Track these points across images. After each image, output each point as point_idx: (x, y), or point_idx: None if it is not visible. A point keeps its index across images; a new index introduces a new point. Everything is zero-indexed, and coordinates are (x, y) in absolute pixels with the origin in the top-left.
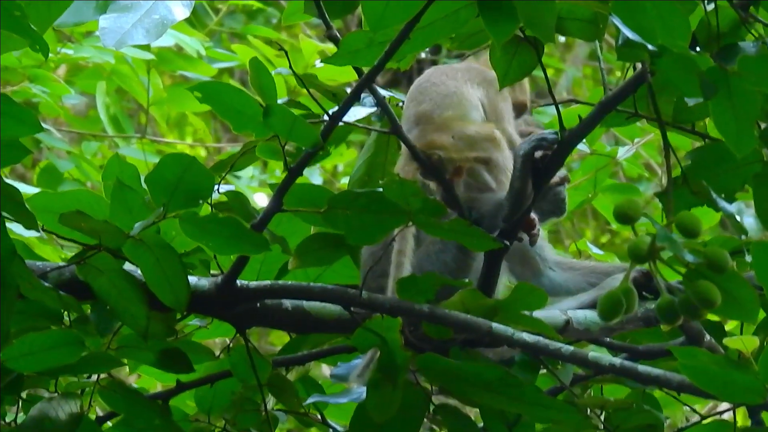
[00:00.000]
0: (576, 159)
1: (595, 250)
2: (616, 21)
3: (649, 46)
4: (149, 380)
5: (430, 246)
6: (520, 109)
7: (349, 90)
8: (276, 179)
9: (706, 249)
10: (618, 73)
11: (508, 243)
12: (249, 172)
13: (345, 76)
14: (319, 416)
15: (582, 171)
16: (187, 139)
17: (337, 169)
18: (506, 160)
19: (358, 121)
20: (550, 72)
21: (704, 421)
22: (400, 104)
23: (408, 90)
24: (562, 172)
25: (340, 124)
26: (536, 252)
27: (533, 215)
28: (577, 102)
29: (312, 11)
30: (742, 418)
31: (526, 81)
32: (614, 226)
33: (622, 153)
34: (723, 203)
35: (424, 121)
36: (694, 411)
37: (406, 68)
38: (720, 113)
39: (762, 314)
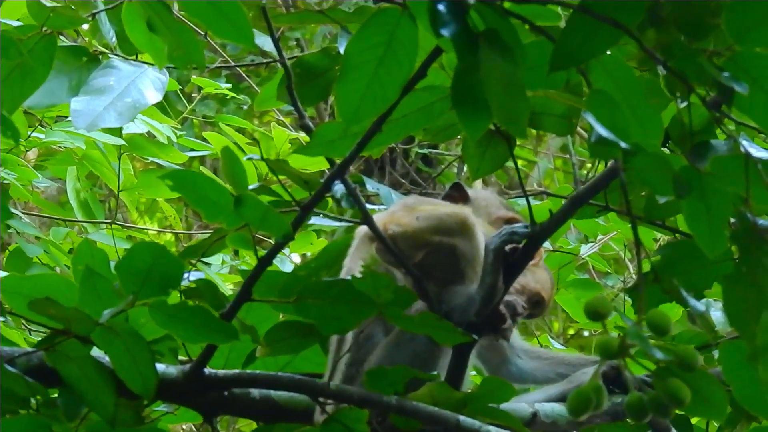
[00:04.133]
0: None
1: (557, 345)
2: (590, 118)
3: (623, 144)
4: None
5: (400, 335)
6: None
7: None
8: (247, 265)
9: (676, 348)
10: (588, 165)
11: (476, 337)
12: (219, 258)
13: (317, 164)
14: None
15: None
16: (157, 225)
17: (307, 257)
18: (475, 251)
19: (329, 212)
20: (521, 163)
21: None
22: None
23: (379, 178)
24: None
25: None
26: None
27: (503, 309)
28: (549, 194)
29: (285, 98)
30: None
31: None
32: (579, 322)
33: (586, 250)
34: (693, 302)
35: (400, 207)
36: None
37: (377, 157)
38: (693, 213)
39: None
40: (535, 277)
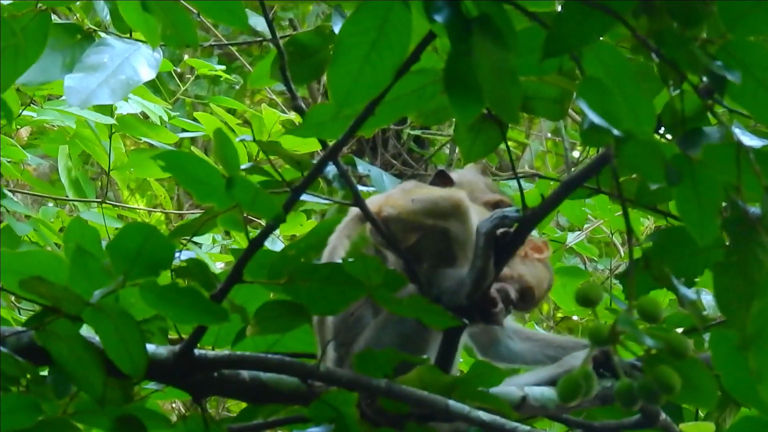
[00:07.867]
0: None
1: (542, 332)
2: (582, 105)
3: (615, 131)
4: None
5: (389, 317)
6: None
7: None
8: (238, 244)
9: (667, 335)
10: (580, 148)
11: (467, 321)
12: (210, 237)
13: (308, 145)
14: None
15: None
16: (147, 203)
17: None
18: (468, 234)
19: (320, 193)
20: (512, 145)
21: None
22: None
23: (371, 158)
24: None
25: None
26: None
27: (494, 293)
28: (540, 177)
29: (278, 77)
30: None
31: None
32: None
33: (572, 238)
34: (684, 290)
35: (398, 190)
36: None
37: (369, 137)
38: (684, 200)
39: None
40: (535, 272)
